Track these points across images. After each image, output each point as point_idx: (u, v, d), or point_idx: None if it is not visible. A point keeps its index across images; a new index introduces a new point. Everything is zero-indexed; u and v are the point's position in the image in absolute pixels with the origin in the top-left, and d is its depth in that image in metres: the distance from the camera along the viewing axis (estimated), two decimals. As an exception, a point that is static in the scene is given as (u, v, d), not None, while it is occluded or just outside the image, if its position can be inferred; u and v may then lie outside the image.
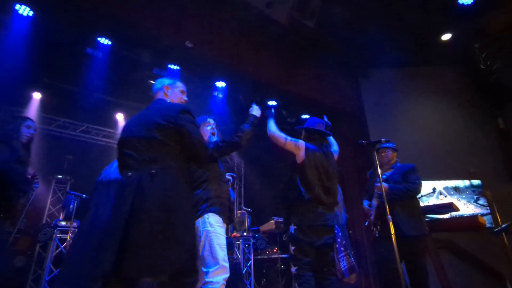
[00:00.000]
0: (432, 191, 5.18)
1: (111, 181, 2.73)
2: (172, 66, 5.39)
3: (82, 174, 5.85)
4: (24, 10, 4.17)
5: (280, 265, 5.85)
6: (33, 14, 4.23)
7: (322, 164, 2.61)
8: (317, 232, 2.50)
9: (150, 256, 1.52)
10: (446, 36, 6.02)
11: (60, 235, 4.94)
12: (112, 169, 2.86)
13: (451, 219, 4.78)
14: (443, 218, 4.79)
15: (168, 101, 2.11)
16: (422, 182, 5.48)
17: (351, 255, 3.24)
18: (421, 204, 4.99)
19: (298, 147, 2.58)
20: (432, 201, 5.35)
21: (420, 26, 5.73)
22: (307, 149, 2.59)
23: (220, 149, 2.06)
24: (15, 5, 4.11)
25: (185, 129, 1.85)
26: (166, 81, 2.18)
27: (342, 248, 3.43)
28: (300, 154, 2.57)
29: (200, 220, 2.03)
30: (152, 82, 5.61)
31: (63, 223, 4.91)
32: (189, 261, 1.71)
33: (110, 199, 2.30)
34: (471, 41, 6.03)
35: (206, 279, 1.90)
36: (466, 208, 5.44)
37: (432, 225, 4.47)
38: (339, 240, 3.26)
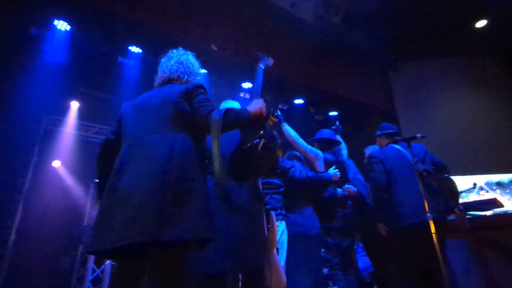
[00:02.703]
0: (473, 187, 4.93)
1: None
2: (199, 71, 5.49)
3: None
4: (62, 25, 4.41)
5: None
6: (70, 28, 4.48)
7: (341, 171, 2.82)
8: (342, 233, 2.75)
9: None
10: (481, 23, 5.71)
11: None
12: None
13: (496, 216, 4.52)
14: (486, 215, 4.54)
15: None
16: (461, 177, 5.27)
17: (367, 256, 3.28)
18: (462, 201, 4.78)
19: (317, 158, 2.80)
20: (473, 197, 5.09)
21: (453, 13, 5.46)
22: (325, 159, 2.82)
23: None
24: (53, 21, 4.37)
25: None
26: None
27: (360, 249, 3.50)
28: (318, 164, 2.77)
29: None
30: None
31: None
32: None
33: None
34: (509, 27, 5.68)
35: None
36: (511, 204, 5.12)
37: (475, 222, 4.25)
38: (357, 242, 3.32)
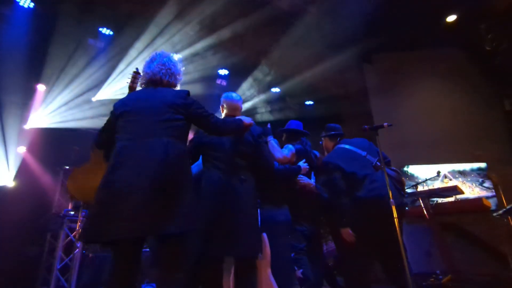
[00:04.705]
0: (437, 175, 5.18)
1: None
2: (174, 56, 5.39)
3: (89, 165, 5.91)
4: (25, 2, 4.15)
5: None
6: (34, 6, 4.22)
7: (308, 160, 2.93)
8: (308, 220, 2.84)
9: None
10: (451, 18, 5.90)
11: (70, 224, 5.04)
12: None
13: (456, 202, 4.81)
14: (448, 201, 4.81)
15: None
16: (427, 166, 5.55)
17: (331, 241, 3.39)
18: (426, 188, 5.03)
19: (291, 153, 2.81)
20: (437, 184, 5.36)
21: (425, 8, 5.61)
22: (295, 149, 2.87)
23: None
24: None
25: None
26: None
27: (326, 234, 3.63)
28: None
29: None
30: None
31: (72, 212, 5.01)
32: None
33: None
34: (477, 22, 5.91)
35: None
36: (471, 191, 5.44)
37: (437, 208, 4.50)
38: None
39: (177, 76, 2.02)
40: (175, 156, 1.68)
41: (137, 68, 2.30)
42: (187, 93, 1.90)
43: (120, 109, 1.84)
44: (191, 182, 1.77)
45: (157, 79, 1.92)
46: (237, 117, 2.22)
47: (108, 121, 1.94)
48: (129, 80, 2.27)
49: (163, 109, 1.78)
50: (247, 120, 2.15)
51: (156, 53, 2.02)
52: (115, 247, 1.61)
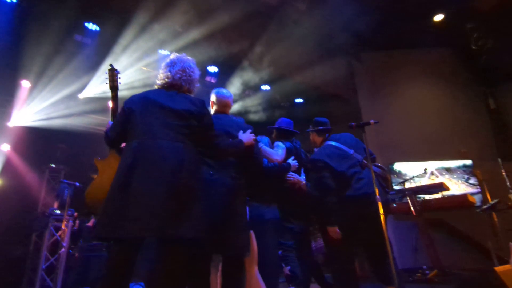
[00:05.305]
0: (424, 172, 5.26)
1: None
2: (162, 52, 5.34)
3: (75, 163, 5.81)
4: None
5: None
6: (17, 0, 4.11)
7: (297, 158, 2.97)
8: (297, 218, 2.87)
9: None
10: (439, 17, 5.98)
11: (55, 223, 4.95)
12: None
13: (442, 198, 4.89)
14: (434, 198, 4.89)
15: None
16: (414, 163, 5.63)
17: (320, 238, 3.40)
18: (413, 185, 5.11)
19: (285, 152, 2.84)
20: (424, 181, 5.44)
21: (413, 7, 5.67)
22: (286, 147, 2.90)
23: None
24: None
25: None
26: None
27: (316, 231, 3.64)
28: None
29: None
30: (144, 68, 5.55)
31: (58, 211, 4.93)
32: None
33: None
34: (463, 21, 6.00)
35: None
36: (457, 187, 5.54)
37: (424, 204, 4.58)
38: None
39: (195, 84, 2.05)
40: (190, 162, 1.72)
41: (111, 65, 2.23)
42: (203, 102, 1.92)
43: (135, 104, 1.84)
44: (200, 188, 1.80)
45: (177, 85, 1.95)
46: (240, 133, 2.20)
47: (120, 115, 1.90)
48: (107, 81, 2.19)
49: (180, 114, 1.81)
50: (249, 139, 2.14)
51: (177, 57, 2.03)
52: (121, 245, 1.65)
